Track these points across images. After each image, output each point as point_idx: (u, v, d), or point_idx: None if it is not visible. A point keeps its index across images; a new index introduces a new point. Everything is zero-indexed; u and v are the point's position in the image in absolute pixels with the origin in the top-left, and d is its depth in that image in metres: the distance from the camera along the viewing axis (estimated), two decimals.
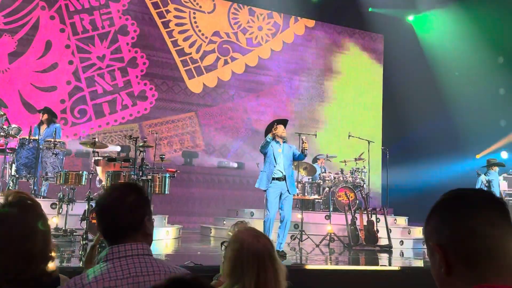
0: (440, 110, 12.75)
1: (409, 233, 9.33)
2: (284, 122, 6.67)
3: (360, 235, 8.06)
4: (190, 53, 12.20)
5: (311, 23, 13.84)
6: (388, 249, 7.97)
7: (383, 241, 8.13)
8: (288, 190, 6.36)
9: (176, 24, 12.14)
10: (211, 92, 12.39)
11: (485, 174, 9.65)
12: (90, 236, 5.76)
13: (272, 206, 6.29)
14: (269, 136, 6.41)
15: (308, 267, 5.50)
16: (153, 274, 1.67)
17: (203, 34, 12.43)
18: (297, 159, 6.67)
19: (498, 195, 8.63)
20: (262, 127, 12.34)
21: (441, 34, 13.26)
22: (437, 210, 1.11)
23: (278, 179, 6.34)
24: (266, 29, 13.21)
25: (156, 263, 1.71)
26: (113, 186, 1.89)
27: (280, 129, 6.47)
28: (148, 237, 1.78)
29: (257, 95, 12.93)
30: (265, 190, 6.42)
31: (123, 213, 1.70)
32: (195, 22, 12.39)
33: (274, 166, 6.35)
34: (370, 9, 13.34)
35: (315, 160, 10.69)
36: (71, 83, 10.93)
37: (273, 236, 6.54)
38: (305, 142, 6.43)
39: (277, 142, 6.46)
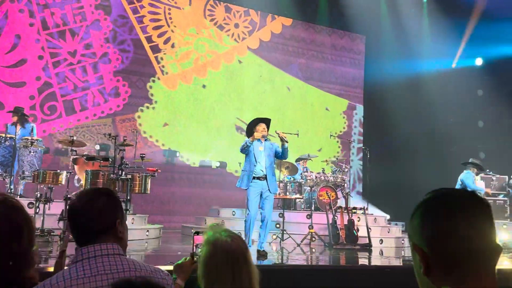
0: (421, 110, 12.91)
1: (388, 232, 9.43)
2: (266, 121, 6.57)
3: (340, 234, 8.11)
4: (165, 50, 12.04)
5: (288, 21, 13.76)
6: (368, 248, 8.04)
7: (363, 240, 8.20)
8: (269, 189, 6.29)
9: (151, 20, 11.91)
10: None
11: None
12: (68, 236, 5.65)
13: (253, 206, 6.25)
14: (249, 140, 6.32)
15: (289, 266, 5.50)
16: (123, 272, 1.67)
17: (178, 31, 12.27)
18: (281, 156, 6.51)
19: None
20: (241, 125, 12.42)
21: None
22: (418, 209, 1.11)
23: (258, 178, 6.28)
24: (242, 26, 13.13)
25: (127, 262, 1.71)
26: (83, 190, 1.88)
27: (261, 127, 6.38)
28: (120, 241, 1.78)
29: (236, 93, 12.87)
30: (246, 189, 6.37)
31: (93, 217, 1.72)
32: (170, 18, 12.19)
33: (255, 165, 6.28)
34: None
35: (298, 160, 10.73)
36: (41, 79, 10.61)
37: (254, 236, 6.54)
38: (282, 133, 6.33)
39: (259, 140, 6.39)
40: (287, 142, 6.38)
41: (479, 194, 1.11)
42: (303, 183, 9.77)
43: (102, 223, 1.74)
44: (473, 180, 9.57)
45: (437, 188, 1.13)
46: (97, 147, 10.61)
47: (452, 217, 1.05)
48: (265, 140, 6.44)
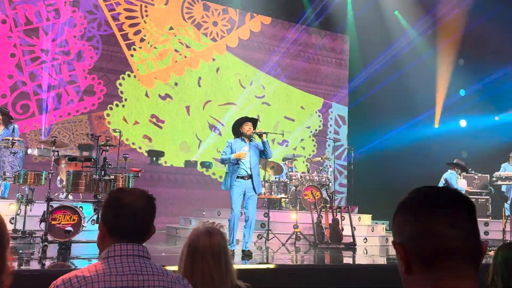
0: (405, 109, 13.02)
1: (372, 231, 9.50)
2: (252, 120, 6.51)
3: (325, 233, 8.15)
4: (141, 48, 11.88)
5: (267, 20, 13.68)
6: (352, 246, 8.09)
7: (348, 239, 8.24)
8: (254, 189, 6.26)
9: (127, 17, 11.74)
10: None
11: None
12: (49, 238, 5.58)
13: (236, 205, 6.21)
14: (232, 156, 6.21)
15: (274, 265, 5.50)
16: (152, 274, 1.72)
17: (155, 29, 12.09)
18: (265, 154, 6.45)
19: None
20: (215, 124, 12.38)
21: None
22: (400, 209, 1.11)
23: (243, 177, 6.24)
24: (221, 24, 13.06)
25: (155, 266, 1.77)
26: (136, 191, 1.86)
27: (246, 127, 6.35)
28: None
29: (215, 92, 12.79)
30: (229, 189, 6.31)
31: (146, 221, 1.80)
32: (147, 16, 12.03)
33: (238, 166, 6.24)
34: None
35: (284, 160, 10.75)
36: (13, 77, 10.39)
37: (238, 235, 6.52)
38: (258, 130, 6.35)
39: (243, 140, 6.36)
40: (265, 134, 6.37)
41: (462, 193, 1.11)
42: (288, 182, 9.79)
43: (149, 227, 1.81)
44: (456, 180, 9.71)
45: (419, 186, 1.13)
46: (80, 147, 10.47)
47: (432, 216, 1.05)
48: (250, 140, 6.40)
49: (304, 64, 14.21)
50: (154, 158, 11.75)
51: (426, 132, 12.74)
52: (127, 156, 6.83)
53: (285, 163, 10.54)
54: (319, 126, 14.20)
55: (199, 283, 1.86)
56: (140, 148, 11.52)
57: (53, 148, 6.13)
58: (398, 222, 1.10)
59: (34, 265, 4.92)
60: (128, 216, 1.77)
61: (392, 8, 13.24)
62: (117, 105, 11.46)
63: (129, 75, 11.67)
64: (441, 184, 9.57)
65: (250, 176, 6.26)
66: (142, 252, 1.75)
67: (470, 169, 10.40)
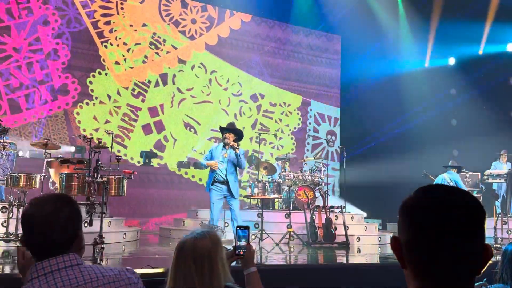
0: (396, 109, 13.10)
1: (365, 230, 9.54)
2: (234, 132, 7.02)
3: (318, 232, 8.17)
4: (118, 45, 11.76)
5: (247, 17, 13.60)
6: (345, 245, 8.12)
7: (341, 238, 8.27)
8: (232, 195, 6.83)
9: (102, 15, 11.61)
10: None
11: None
12: None
13: (215, 210, 6.82)
14: (205, 164, 6.89)
15: (267, 265, 5.51)
16: (84, 284, 1.56)
17: (131, 26, 11.96)
18: (237, 164, 6.93)
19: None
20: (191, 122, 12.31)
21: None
22: (400, 208, 1.12)
23: (220, 182, 6.81)
24: (200, 22, 12.97)
25: (87, 272, 1.60)
26: (42, 198, 1.67)
27: (226, 138, 6.89)
28: (80, 250, 1.69)
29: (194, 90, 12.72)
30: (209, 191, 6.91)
31: (58, 229, 1.59)
32: (123, 13, 11.92)
33: (214, 171, 6.81)
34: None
35: (278, 159, 10.77)
36: None
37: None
38: (233, 144, 6.83)
39: (223, 148, 6.92)
40: (237, 149, 6.83)
41: (468, 197, 1.08)
42: (281, 182, 9.81)
43: (68, 234, 1.61)
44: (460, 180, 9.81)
45: (424, 186, 1.12)
46: (72, 149, 10.40)
47: (425, 218, 1.04)
48: (230, 148, 6.87)
49: (287, 62, 14.17)
50: (147, 160, 11.71)
51: (418, 130, 12.80)
52: (119, 157, 6.81)
53: (278, 163, 10.55)
54: (298, 124, 14.17)
55: (181, 286, 1.85)
56: (112, 148, 11.48)
57: (45, 150, 6.10)
58: (398, 222, 1.11)
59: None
60: (30, 230, 1.60)
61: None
62: (87, 104, 11.30)
63: (99, 73, 11.47)
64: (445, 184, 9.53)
65: (226, 182, 6.80)
66: (69, 261, 1.58)
67: (463, 169, 10.48)
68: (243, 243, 2.24)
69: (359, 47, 13.71)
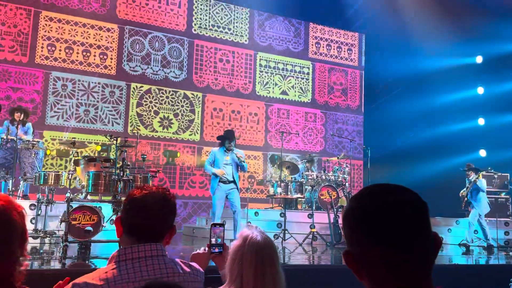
0: (422, 109, 12.90)
1: None
2: (231, 140, 7.51)
3: (342, 233, 8.11)
4: None
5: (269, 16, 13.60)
6: None
7: None
8: (237, 187, 7.39)
9: None
10: None
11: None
12: (70, 238, 5.67)
13: (218, 209, 7.21)
14: (213, 171, 7.31)
15: (291, 266, 5.50)
16: (167, 277, 1.68)
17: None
18: (242, 169, 7.58)
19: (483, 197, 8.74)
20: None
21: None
22: (346, 220, 1.10)
23: (224, 182, 7.32)
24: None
25: (170, 264, 1.73)
26: (151, 187, 1.82)
27: (227, 145, 7.43)
28: (167, 243, 1.83)
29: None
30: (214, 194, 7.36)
31: (162, 218, 1.74)
32: None
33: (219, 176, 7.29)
34: None
35: (302, 159, 10.74)
36: None
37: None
38: (239, 155, 7.36)
39: (225, 152, 7.40)
40: (243, 161, 7.43)
41: (408, 190, 1.07)
42: (304, 182, 9.77)
43: (167, 224, 1.76)
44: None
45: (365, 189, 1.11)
46: (98, 147, 10.59)
47: (377, 226, 1.03)
48: (231, 151, 7.41)
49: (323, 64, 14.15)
50: (170, 159, 11.83)
51: (443, 131, 12.58)
52: (145, 156, 6.91)
53: (303, 162, 10.48)
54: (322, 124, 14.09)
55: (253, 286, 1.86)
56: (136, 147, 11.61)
57: (73, 149, 6.22)
58: (346, 235, 1.10)
59: (55, 265, 5.01)
60: (139, 211, 1.71)
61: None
62: None
63: None
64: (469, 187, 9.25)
65: (231, 181, 7.37)
66: (155, 251, 1.69)
67: (489, 168, 10.21)
68: (219, 241, 2.17)
69: (383, 46, 13.55)
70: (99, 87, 11.21)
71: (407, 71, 13.15)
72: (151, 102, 11.71)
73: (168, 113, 11.85)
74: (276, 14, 13.50)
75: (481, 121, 13.03)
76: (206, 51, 12.52)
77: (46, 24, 10.82)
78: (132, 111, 11.46)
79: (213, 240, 2.17)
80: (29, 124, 8.30)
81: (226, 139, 7.50)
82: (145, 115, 11.59)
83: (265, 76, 13.25)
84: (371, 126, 14.16)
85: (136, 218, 1.72)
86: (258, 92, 13.09)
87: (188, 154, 11.93)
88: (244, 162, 7.47)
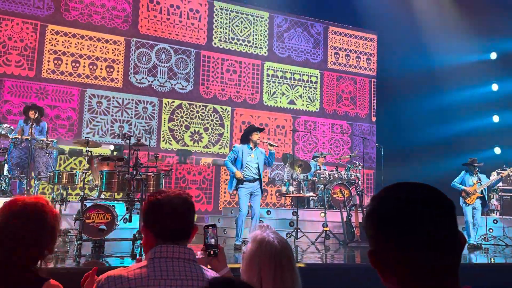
0: (435, 107, 12.77)
1: None
2: (260, 130, 7.34)
3: (355, 232, 8.07)
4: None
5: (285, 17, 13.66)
6: None
7: None
8: (261, 189, 7.11)
9: None
10: None
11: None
12: (84, 236, 5.72)
13: (244, 204, 6.99)
14: (234, 170, 6.99)
15: (304, 264, 5.49)
16: (192, 280, 1.73)
17: None
18: (269, 162, 7.33)
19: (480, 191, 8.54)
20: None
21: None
22: (370, 221, 1.08)
23: (249, 181, 7.04)
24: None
25: (199, 270, 1.79)
26: (172, 190, 1.90)
27: (256, 136, 7.13)
28: (190, 241, 1.90)
29: None
30: (236, 190, 7.08)
31: (187, 218, 1.83)
32: None
33: (243, 171, 7.01)
34: None
35: (314, 158, 10.69)
36: None
37: (245, 233, 7.03)
38: (270, 145, 7.18)
39: (249, 147, 7.11)
40: (276, 146, 7.25)
41: (432, 188, 1.05)
42: (316, 181, 9.73)
43: (192, 225, 1.84)
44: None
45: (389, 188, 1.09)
46: (111, 147, 10.67)
47: (404, 225, 1.01)
48: (256, 148, 7.14)
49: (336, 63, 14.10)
50: (183, 157, 11.87)
51: (458, 128, 12.44)
52: (157, 155, 6.94)
53: (316, 161, 10.44)
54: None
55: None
56: (149, 145, 11.64)
57: (86, 148, 6.27)
58: (370, 236, 1.08)
59: (70, 263, 5.06)
60: (169, 215, 1.78)
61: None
62: None
63: None
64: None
65: (257, 179, 7.09)
66: (188, 254, 1.77)
67: (504, 166, 10.06)
68: (213, 242, 2.13)
69: (396, 43, 13.44)
70: (132, 103, 11.36)
71: (420, 68, 13.03)
72: (182, 117, 11.88)
73: (198, 127, 12.01)
74: (289, 13, 13.47)
75: (495, 118, 12.87)
76: (228, 65, 12.61)
77: (90, 44, 11.00)
78: (164, 126, 11.63)
79: (212, 241, 2.13)
80: (43, 123, 8.36)
81: (253, 132, 7.16)
82: (176, 129, 11.74)
83: (287, 88, 13.33)
84: (384, 124, 14.08)
85: (166, 220, 1.78)
86: (284, 105, 13.21)
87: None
88: (273, 153, 7.22)
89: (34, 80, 10.55)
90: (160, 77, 11.79)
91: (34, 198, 1.81)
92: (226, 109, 12.41)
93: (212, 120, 12.22)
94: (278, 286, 1.83)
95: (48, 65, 10.74)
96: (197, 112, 12.09)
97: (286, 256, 1.90)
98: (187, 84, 12.06)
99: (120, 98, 11.28)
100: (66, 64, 10.88)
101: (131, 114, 11.34)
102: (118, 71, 11.37)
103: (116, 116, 11.20)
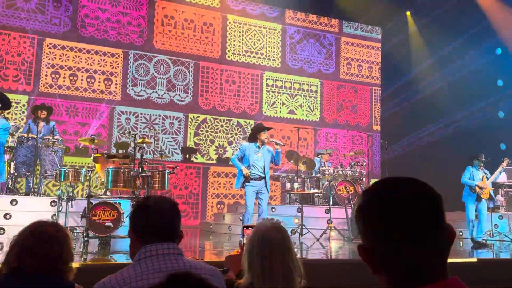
0: (441, 101, 12.72)
1: None
2: (268, 129, 7.42)
3: None
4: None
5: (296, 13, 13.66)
6: None
7: None
8: (266, 188, 7.12)
9: None
10: None
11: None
12: (90, 233, 5.76)
13: (250, 202, 7.02)
14: (242, 168, 6.99)
15: (308, 260, 5.51)
16: (190, 269, 1.78)
17: None
18: (275, 161, 7.32)
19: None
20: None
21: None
22: (361, 215, 1.09)
23: (255, 179, 7.05)
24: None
25: (187, 261, 1.86)
26: (157, 197, 2.08)
27: (264, 135, 7.16)
28: (179, 241, 1.96)
29: None
30: (242, 188, 7.10)
31: (174, 220, 1.92)
32: None
33: (250, 169, 7.02)
34: None
35: (318, 154, 10.68)
36: None
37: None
38: (277, 144, 7.20)
39: (256, 145, 7.12)
40: (283, 145, 7.29)
41: (422, 182, 1.07)
42: (320, 177, 9.73)
43: (176, 227, 1.91)
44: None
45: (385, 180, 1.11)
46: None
47: (395, 220, 1.02)
48: (263, 146, 7.16)
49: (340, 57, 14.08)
50: (187, 155, 11.91)
51: (462, 123, 12.39)
52: (163, 153, 6.97)
53: (321, 157, 10.43)
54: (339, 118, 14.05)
55: (266, 278, 1.88)
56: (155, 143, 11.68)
57: (92, 146, 6.31)
58: (361, 230, 1.09)
59: (77, 260, 5.10)
60: (155, 216, 1.87)
61: None
62: None
63: None
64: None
65: (263, 178, 7.09)
66: (173, 249, 1.83)
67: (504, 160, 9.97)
68: (244, 241, 2.21)
69: (400, 39, 13.41)
70: (159, 119, 11.43)
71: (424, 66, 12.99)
72: (207, 131, 11.97)
73: (223, 141, 12.10)
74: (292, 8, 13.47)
75: (501, 114, 12.80)
76: (244, 77, 12.67)
77: (112, 60, 11.02)
78: (190, 141, 11.72)
79: (245, 241, 2.19)
80: (53, 123, 8.37)
81: (261, 131, 7.21)
82: (202, 144, 11.83)
83: (308, 100, 13.46)
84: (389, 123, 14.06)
85: (150, 220, 1.87)
86: (306, 117, 13.32)
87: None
88: (279, 152, 7.24)
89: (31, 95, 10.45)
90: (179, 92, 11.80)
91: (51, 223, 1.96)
92: (249, 122, 12.44)
93: (236, 134, 12.31)
94: (266, 269, 1.86)
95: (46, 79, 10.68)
96: (221, 126, 12.19)
97: (277, 240, 1.92)
98: (207, 98, 12.11)
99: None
100: (64, 78, 10.84)
101: (158, 130, 11.27)
102: (116, 84, 11.30)
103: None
